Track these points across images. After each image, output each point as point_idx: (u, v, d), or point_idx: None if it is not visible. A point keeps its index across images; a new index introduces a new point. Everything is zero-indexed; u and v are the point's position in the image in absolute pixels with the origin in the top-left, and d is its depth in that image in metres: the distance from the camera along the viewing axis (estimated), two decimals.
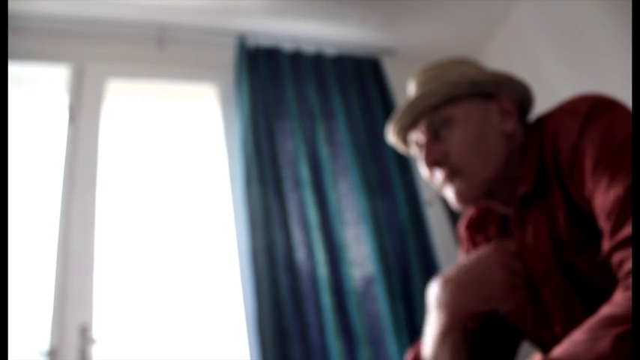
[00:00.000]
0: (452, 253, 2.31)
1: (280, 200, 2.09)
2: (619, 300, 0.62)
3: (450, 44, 2.99)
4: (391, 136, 1.03)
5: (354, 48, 2.70)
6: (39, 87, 2.19)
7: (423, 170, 0.95)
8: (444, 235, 2.44)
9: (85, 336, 1.69)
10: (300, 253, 2.03)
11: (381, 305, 2.01)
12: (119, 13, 2.26)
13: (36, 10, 2.13)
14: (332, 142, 2.35)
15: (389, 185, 2.35)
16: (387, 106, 2.57)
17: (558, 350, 0.62)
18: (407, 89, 1.04)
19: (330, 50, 2.64)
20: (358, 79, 2.61)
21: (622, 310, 0.60)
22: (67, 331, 1.69)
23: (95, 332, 1.72)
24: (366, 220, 2.16)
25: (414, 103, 0.92)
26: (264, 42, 2.49)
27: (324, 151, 2.26)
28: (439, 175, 0.93)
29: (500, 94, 0.94)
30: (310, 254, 2.04)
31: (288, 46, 2.54)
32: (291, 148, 2.25)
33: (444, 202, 2.50)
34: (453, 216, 2.53)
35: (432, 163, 0.92)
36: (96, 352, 1.69)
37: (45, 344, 1.65)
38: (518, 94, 0.97)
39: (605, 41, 2.20)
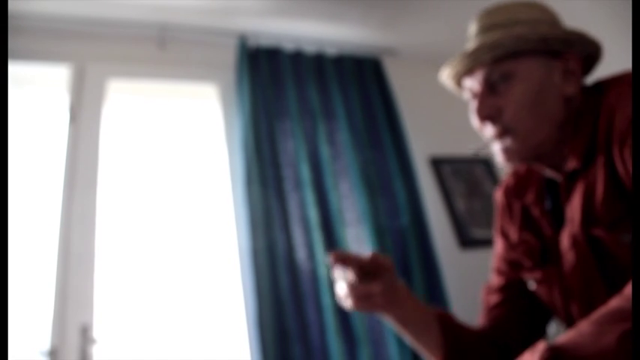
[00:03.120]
0: (452, 253, 2.31)
1: (281, 200, 2.09)
2: (629, 293, 0.61)
3: (451, 44, 2.98)
4: (444, 77, 0.98)
5: (355, 48, 2.70)
6: (39, 87, 2.19)
7: (473, 120, 0.91)
8: (444, 235, 2.44)
9: (85, 336, 1.69)
10: (300, 253, 2.03)
11: None
12: (120, 13, 2.26)
13: (37, 10, 2.13)
14: (333, 142, 2.35)
15: (390, 185, 2.35)
16: (387, 106, 2.57)
17: (563, 339, 0.62)
18: (468, 29, 0.98)
19: (330, 50, 2.64)
20: (359, 79, 2.61)
21: (631, 305, 0.59)
22: (67, 331, 1.69)
23: (96, 332, 1.72)
24: (367, 220, 2.16)
25: (475, 53, 0.88)
26: (265, 42, 2.49)
27: (324, 151, 2.26)
28: (489, 129, 0.89)
29: (567, 53, 0.88)
30: (311, 254, 2.04)
31: (288, 46, 2.54)
32: (292, 148, 2.25)
33: (447, 202, 2.50)
34: (455, 215, 2.53)
35: (484, 117, 0.88)
36: (96, 352, 1.70)
37: (46, 344, 1.65)
38: (587, 54, 0.91)
39: (604, 41, 2.19)
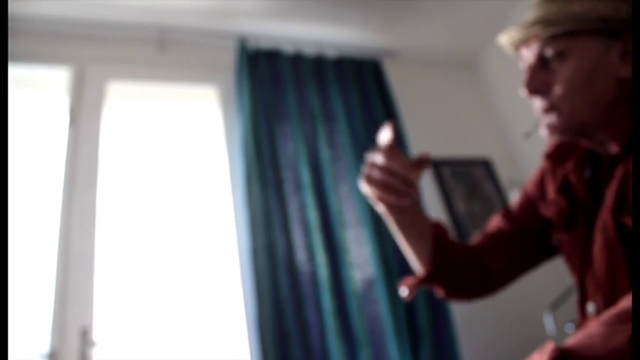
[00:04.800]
0: None
1: (281, 202, 2.09)
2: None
3: (451, 46, 3.00)
4: (502, 42, 0.98)
5: (355, 50, 2.70)
6: (39, 89, 2.20)
7: (522, 90, 0.91)
8: None
9: (85, 338, 1.69)
10: (300, 255, 2.03)
11: (382, 307, 2.01)
12: (120, 16, 2.26)
13: (37, 13, 2.13)
14: (333, 144, 2.35)
15: None
16: (387, 107, 2.57)
17: (573, 341, 0.61)
18: None
19: (330, 52, 2.64)
20: (359, 81, 2.61)
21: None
22: (67, 334, 1.68)
23: (96, 335, 1.72)
24: (367, 222, 2.16)
25: (531, 27, 0.88)
26: (265, 44, 2.49)
27: (324, 153, 2.26)
28: (538, 103, 0.89)
29: (628, 34, 0.83)
30: (311, 256, 2.03)
31: (288, 48, 2.54)
32: (292, 150, 2.25)
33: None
34: (455, 217, 2.53)
35: (532, 91, 0.88)
36: (96, 354, 1.69)
37: (45, 346, 1.65)
38: None
39: None
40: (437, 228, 1.04)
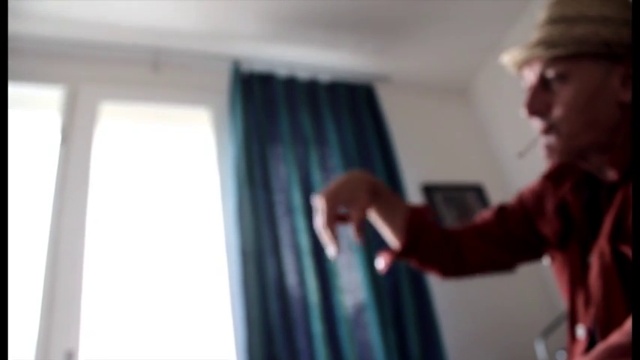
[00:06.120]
0: (443, 281, 2.29)
1: (272, 226, 2.08)
2: (629, 329, 0.60)
3: (443, 72, 3.03)
4: (504, 61, 0.99)
5: (348, 74, 2.73)
6: (32, 108, 2.19)
7: (522, 111, 0.92)
8: None
9: None
10: (291, 280, 2.01)
11: (373, 333, 1.98)
12: (114, 37, 2.27)
13: (30, 32, 2.14)
14: (325, 168, 2.35)
15: None
16: (380, 132, 2.58)
17: None
18: (538, 14, 0.96)
19: (324, 76, 2.66)
20: (352, 106, 2.63)
21: (631, 340, 0.58)
22: (52, 357, 1.65)
23: (81, 358, 1.68)
24: (358, 246, 2.15)
25: (534, 48, 0.88)
26: (259, 67, 2.51)
27: (316, 176, 2.26)
28: (537, 123, 0.90)
29: (630, 58, 0.83)
30: (301, 281, 2.02)
31: (282, 71, 2.56)
32: (284, 173, 2.25)
33: None
34: None
35: (533, 112, 0.89)
36: None
37: None
38: None
39: None
40: (412, 211, 1.08)
